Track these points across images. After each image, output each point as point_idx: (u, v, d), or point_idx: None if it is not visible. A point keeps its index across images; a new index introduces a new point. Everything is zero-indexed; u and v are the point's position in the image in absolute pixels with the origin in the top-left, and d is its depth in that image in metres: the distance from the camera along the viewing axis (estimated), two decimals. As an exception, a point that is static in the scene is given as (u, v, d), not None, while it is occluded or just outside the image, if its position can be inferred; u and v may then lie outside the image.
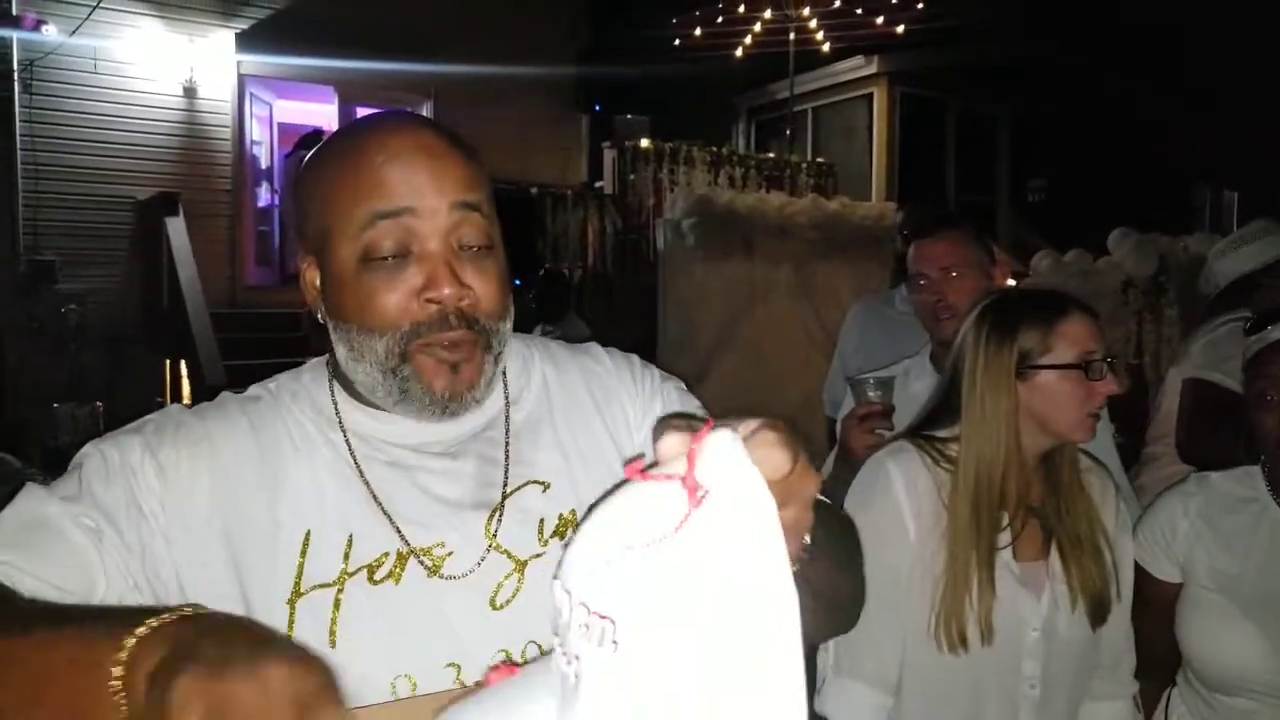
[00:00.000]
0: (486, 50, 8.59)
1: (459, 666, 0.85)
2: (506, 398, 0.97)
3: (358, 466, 0.91)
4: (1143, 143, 10.30)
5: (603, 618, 0.45)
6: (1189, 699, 1.69)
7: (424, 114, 9.47)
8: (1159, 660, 1.67)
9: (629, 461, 0.50)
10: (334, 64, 8.33)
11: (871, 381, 1.98)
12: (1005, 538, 1.46)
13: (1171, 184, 9.76)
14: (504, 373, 0.97)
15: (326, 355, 0.96)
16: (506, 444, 0.95)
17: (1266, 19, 8.93)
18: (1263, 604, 1.56)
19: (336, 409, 0.93)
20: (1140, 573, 1.66)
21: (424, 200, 0.86)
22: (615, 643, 0.44)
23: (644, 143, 8.33)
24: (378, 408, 0.92)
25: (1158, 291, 6.94)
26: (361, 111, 9.08)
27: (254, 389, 0.96)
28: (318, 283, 0.92)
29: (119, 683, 0.52)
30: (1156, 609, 1.67)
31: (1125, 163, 10.26)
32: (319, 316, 0.93)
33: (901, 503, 1.47)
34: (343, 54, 8.18)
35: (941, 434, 1.52)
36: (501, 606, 0.88)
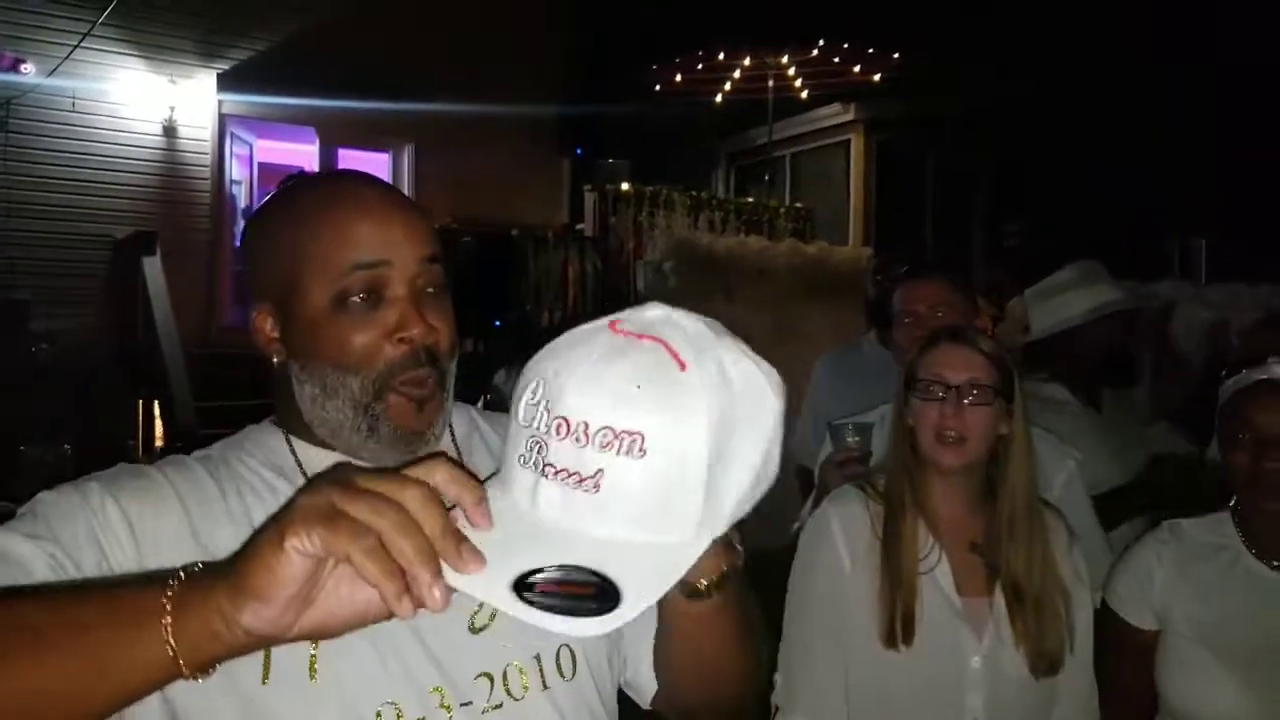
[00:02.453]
0: (468, 93, 8.67)
1: (442, 691, 0.88)
2: (453, 435, 1.04)
3: None
4: (1116, 190, 10.49)
5: (630, 434, 0.64)
6: None
7: (406, 156, 9.52)
8: (1139, 710, 1.66)
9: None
10: (315, 104, 8.37)
11: (850, 427, 1.99)
12: (935, 562, 1.54)
13: (1143, 231, 9.92)
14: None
15: (271, 417, 1.01)
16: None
17: (1238, 71, 9.16)
18: (1243, 654, 1.56)
19: (295, 453, 0.97)
20: (1119, 622, 1.67)
21: (398, 254, 0.92)
22: (644, 450, 0.64)
23: (624, 186, 8.39)
24: (334, 449, 0.95)
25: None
26: (343, 152, 9.16)
27: (196, 453, 0.98)
28: (276, 330, 0.95)
29: (168, 632, 0.62)
30: (1135, 657, 1.66)
31: (1099, 210, 10.44)
32: (275, 361, 0.96)
33: (837, 540, 1.58)
34: (324, 95, 8.22)
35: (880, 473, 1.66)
36: (480, 629, 0.92)
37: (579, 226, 8.72)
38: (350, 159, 9.27)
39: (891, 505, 1.57)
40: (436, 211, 8.33)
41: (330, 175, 1.02)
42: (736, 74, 9.67)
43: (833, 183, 10.56)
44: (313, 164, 8.92)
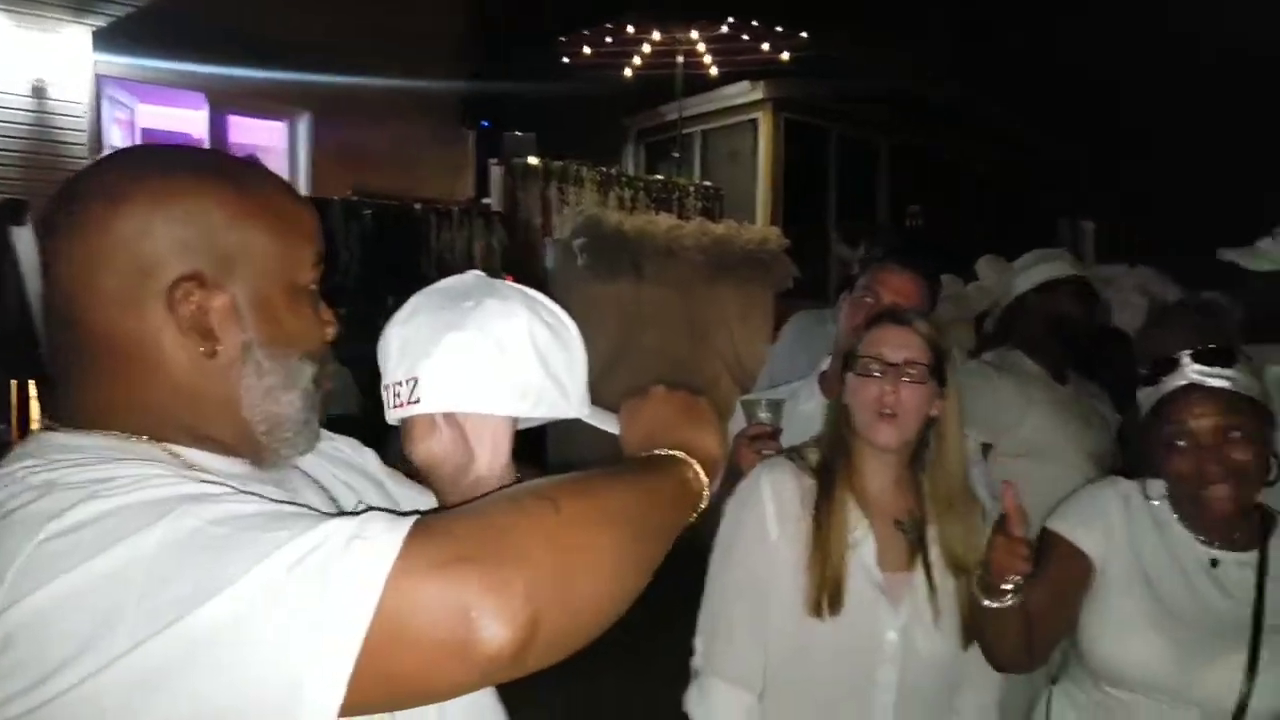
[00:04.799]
0: (370, 61, 8.33)
1: None
2: None
3: None
4: (1009, 173, 10.83)
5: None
6: (1074, 694, 1.74)
7: (303, 125, 9.08)
8: (1043, 639, 1.68)
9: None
10: (205, 69, 7.91)
11: (763, 403, 2.01)
12: (862, 537, 1.58)
13: (1035, 213, 10.25)
14: None
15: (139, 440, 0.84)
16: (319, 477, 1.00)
17: (1132, 59, 9.49)
18: (1169, 616, 1.60)
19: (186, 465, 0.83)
20: (1062, 544, 1.70)
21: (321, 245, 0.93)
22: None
23: (532, 160, 8.22)
24: (231, 454, 0.87)
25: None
26: (235, 119, 8.71)
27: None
28: (230, 312, 0.85)
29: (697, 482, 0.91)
30: (1062, 583, 1.68)
31: (993, 191, 10.76)
32: (216, 349, 0.84)
33: (766, 508, 1.60)
34: (215, 59, 7.78)
35: (811, 444, 1.69)
36: None
37: (485, 201, 8.52)
38: (242, 127, 8.83)
39: (825, 479, 1.61)
40: (336, 184, 8.01)
41: (225, 155, 0.97)
42: (646, 49, 9.58)
43: (742, 161, 10.59)
44: (202, 131, 8.46)
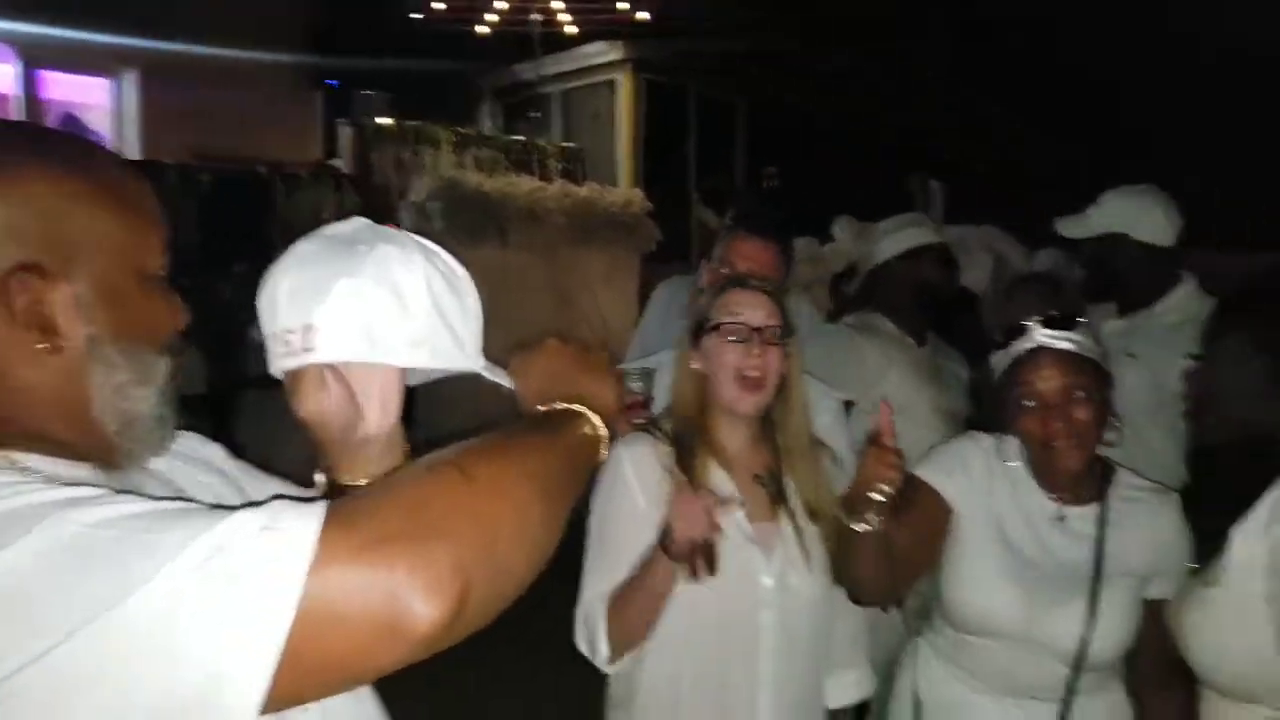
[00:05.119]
0: (205, 16, 7.75)
1: None
2: None
3: None
4: (861, 134, 11.14)
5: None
6: (936, 642, 1.83)
7: (131, 84, 8.40)
8: (904, 577, 1.76)
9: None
10: (15, 26, 7.18)
11: (634, 373, 1.98)
12: (727, 496, 1.61)
13: (886, 173, 10.62)
14: None
15: None
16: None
17: (979, 14, 9.86)
18: (1020, 565, 1.68)
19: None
20: (925, 489, 1.78)
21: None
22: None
23: (384, 120, 7.88)
24: (77, 459, 0.81)
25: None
26: (51, 76, 7.95)
27: None
28: (74, 304, 0.79)
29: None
30: (924, 525, 1.75)
31: (846, 153, 11.07)
32: (61, 345, 0.78)
33: (630, 479, 1.64)
34: (25, 12, 7.07)
35: (666, 417, 1.72)
36: None
37: (334, 163, 8.13)
38: (60, 84, 8.08)
39: (683, 446, 1.65)
40: (172, 147, 7.46)
41: (63, 134, 0.91)
42: (501, 4, 9.31)
43: (602, 122, 10.50)
44: (12, 88, 7.70)
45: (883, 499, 1.55)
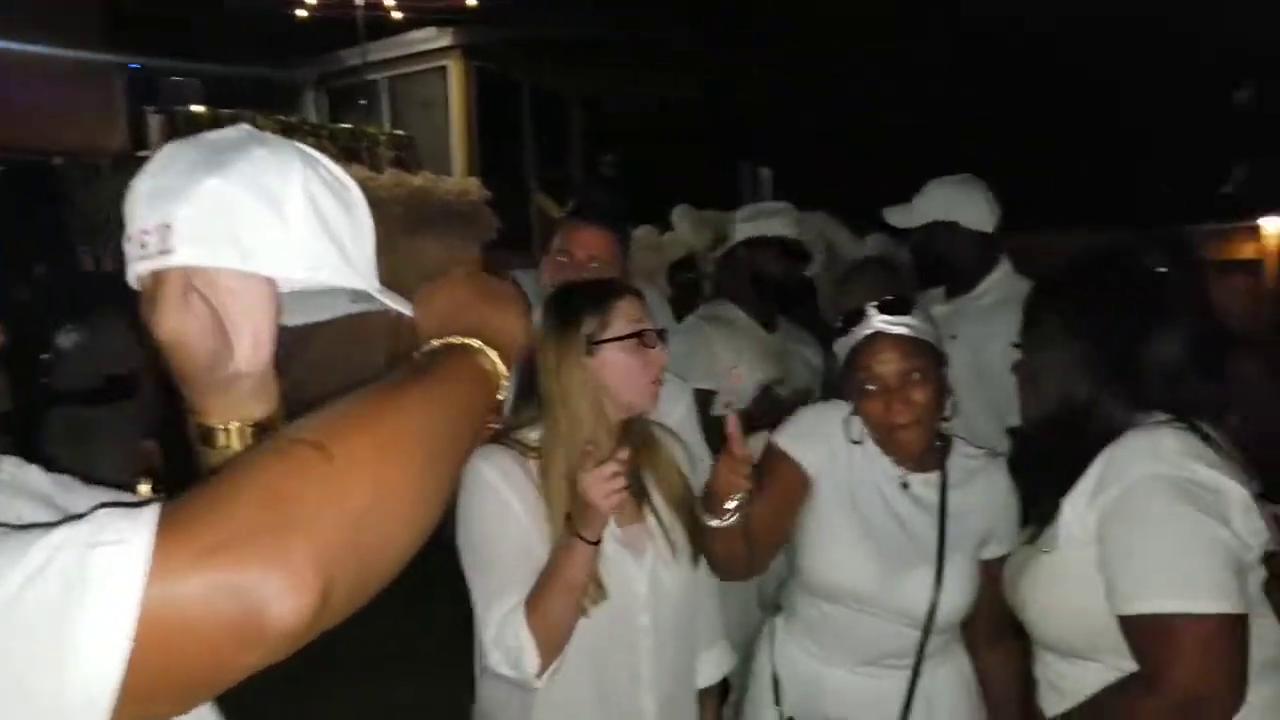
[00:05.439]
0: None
1: None
2: None
3: None
4: (693, 124, 11.35)
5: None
6: (792, 613, 1.87)
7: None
8: (763, 551, 1.79)
9: None
10: None
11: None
12: None
13: (717, 162, 10.87)
14: None
15: None
16: None
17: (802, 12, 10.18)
18: (873, 531, 1.75)
19: None
20: (785, 461, 1.81)
21: None
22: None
23: (197, 108, 7.38)
24: None
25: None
26: None
27: None
28: None
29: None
30: (783, 496, 1.79)
31: (683, 141, 11.24)
32: None
33: (506, 494, 1.58)
34: None
35: (524, 430, 1.64)
36: None
37: (141, 154, 7.55)
38: None
39: (575, 467, 1.56)
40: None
41: None
42: (320, -13, 8.91)
43: (434, 110, 10.23)
44: None
45: (736, 504, 1.59)
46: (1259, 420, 1.85)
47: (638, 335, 1.61)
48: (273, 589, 0.59)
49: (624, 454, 1.49)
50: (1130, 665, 1.38)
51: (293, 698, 2.17)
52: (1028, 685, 1.69)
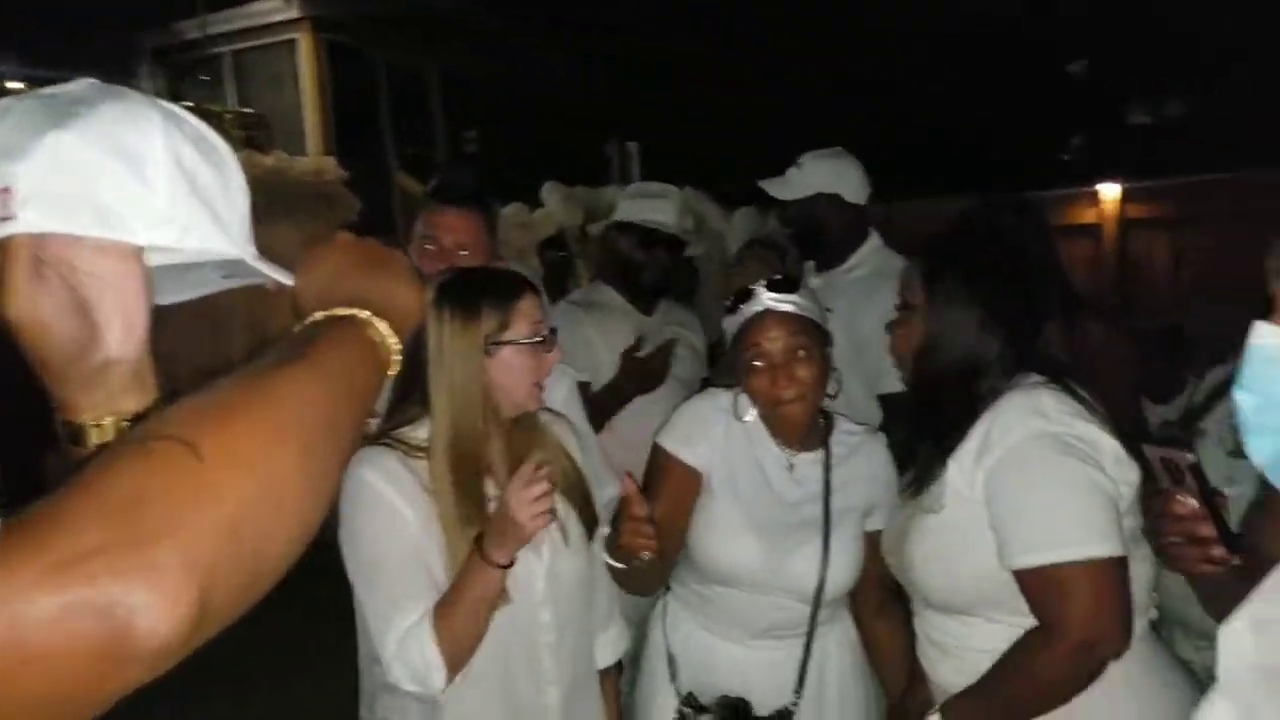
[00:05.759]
0: None
1: None
2: None
3: None
4: (559, 99, 11.24)
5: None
6: (684, 595, 1.88)
7: None
8: (668, 553, 1.78)
9: None
10: None
11: None
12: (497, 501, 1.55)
13: (585, 138, 10.80)
14: None
15: None
16: None
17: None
18: (760, 515, 1.76)
19: None
20: (672, 461, 1.81)
21: None
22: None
23: (14, 84, 6.79)
24: None
25: (584, 239, 7.66)
26: None
27: None
28: None
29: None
30: (677, 495, 1.79)
31: (546, 118, 11.12)
32: None
33: (392, 498, 1.50)
34: None
35: (406, 429, 1.56)
36: None
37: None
38: None
39: (465, 466, 1.53)
40: None
41: None
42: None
43: (284, 86, 9.75)
44: None
45: (644, 561, 1.57)
46: (1105, 379, 1.95)
47: (539, 340, 1.57)
48: (138, 602, 0.53)
49: (548, 471, 1.44)
50: (1011, 618, 1.44)
51: (178, 704, 2.04)
52: (910, 640, 1.76)
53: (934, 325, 1.56)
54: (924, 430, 1.62)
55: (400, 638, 1.46)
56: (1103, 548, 1.36)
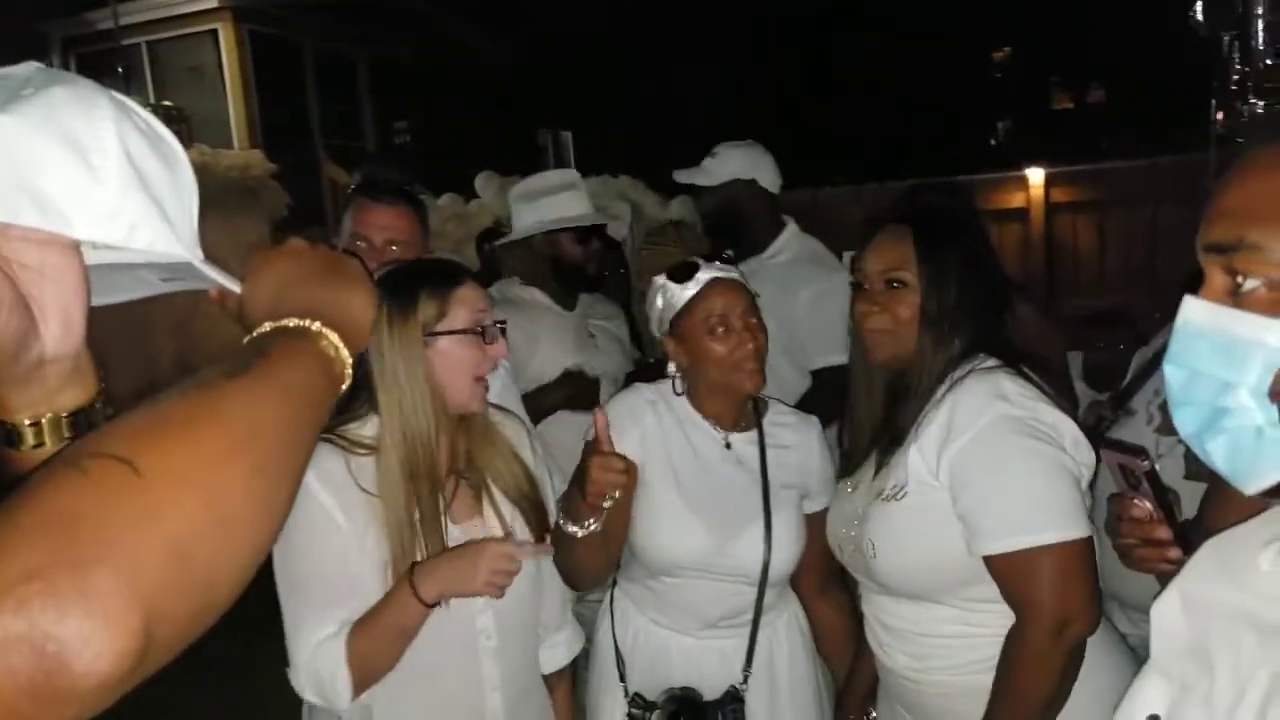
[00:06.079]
0: None
1: None
2: None
3: None
4: (491, 87, 11.11)
5: None
6: (630, 588, 1.87)
7: None
8: (611, 545, 1.78)
9: None
10: None
11: None
12: (444, 506, 1.52)
13: (517, 126, 10.70)
14: None
15: None
16: None
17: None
18: (700, 499, 1.76)
19: None
20: None
21: None
22: None
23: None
24: None
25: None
26: None
27: None
28: None
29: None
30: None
31: (478, 106, 10.98)
32: None
33: (325, 501, 1.46)
34: None
35: (353, 425, 1.52)
36: None
37: None
38: None
39: (415, 465, 1.48)
40: None
41: None
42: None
43: (206, 78, 9.46)
44: None
45: (612, 503, 1.56)
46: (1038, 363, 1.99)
47: (479, 331, 1.52)
48: (75, 634, 0.49)
49: (531, 552, 1.44)
50: (963, 602, 1.47)
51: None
52: (853, 622, 1.78)
53: (929, 304, 1.55)
54: (887, 412, 1.63)
55: (312, 647, 1.43)
56: (1072, 530, 1.38)
